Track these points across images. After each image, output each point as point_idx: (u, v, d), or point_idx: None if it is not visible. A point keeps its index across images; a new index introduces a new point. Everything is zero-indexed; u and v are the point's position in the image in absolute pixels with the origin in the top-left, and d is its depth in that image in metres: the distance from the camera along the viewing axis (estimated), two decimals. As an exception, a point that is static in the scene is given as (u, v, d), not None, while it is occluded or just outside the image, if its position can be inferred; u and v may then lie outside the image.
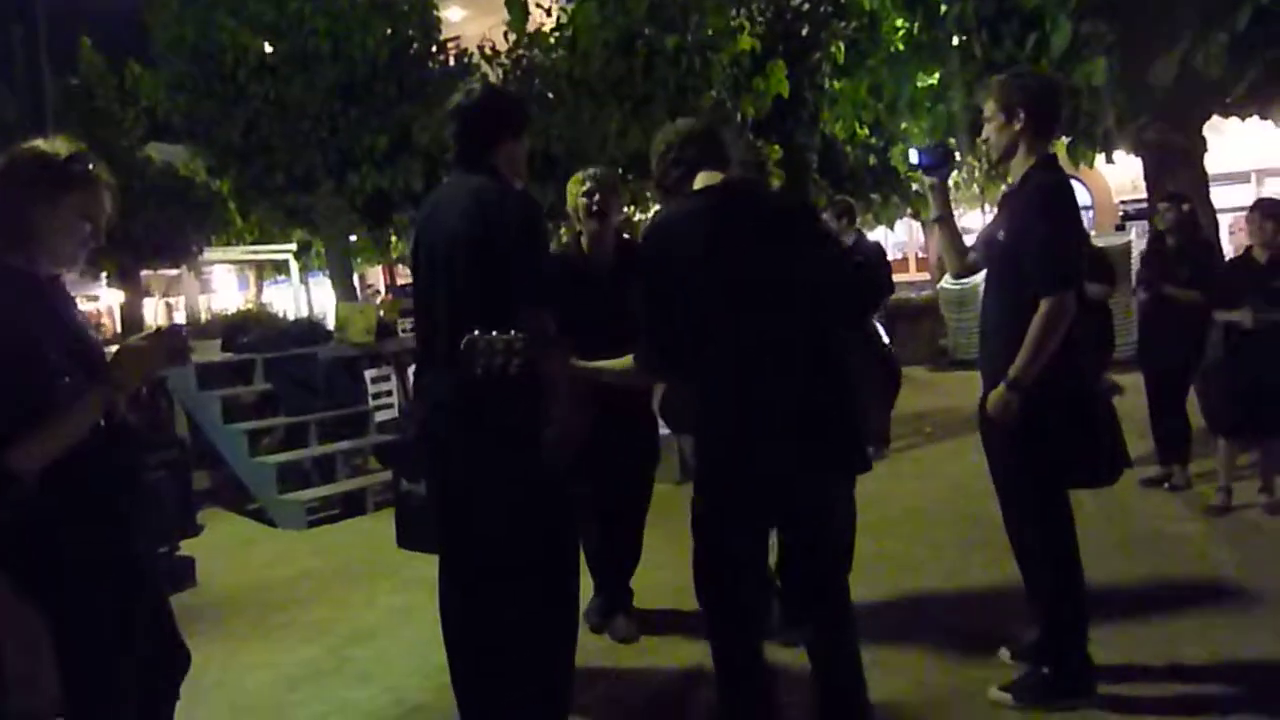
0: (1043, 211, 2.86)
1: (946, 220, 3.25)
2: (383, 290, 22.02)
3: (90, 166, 2.08)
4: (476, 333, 2.31)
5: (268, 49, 11.11)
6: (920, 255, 17.53)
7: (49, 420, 1.90)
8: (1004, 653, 3.32)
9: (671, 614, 4.00)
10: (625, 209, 11.24)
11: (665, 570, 4.48)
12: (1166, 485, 5.53)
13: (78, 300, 2.23)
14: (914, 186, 11.77)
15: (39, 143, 2.09)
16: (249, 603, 4.69)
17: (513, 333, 2.33)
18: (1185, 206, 5.60)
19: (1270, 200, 5.17)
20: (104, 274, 15.52)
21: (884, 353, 2.74)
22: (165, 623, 2.31)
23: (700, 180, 2.55)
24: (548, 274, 2.71)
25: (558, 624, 2.81)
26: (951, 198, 12.29)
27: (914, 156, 3.24)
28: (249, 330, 7.53)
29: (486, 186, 2.67)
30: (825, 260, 2.61)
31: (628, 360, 2.55)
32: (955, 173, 13.03)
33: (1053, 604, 3.04)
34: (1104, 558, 4.02)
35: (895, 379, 2.72)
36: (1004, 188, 3.34)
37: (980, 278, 3.24)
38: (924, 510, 5.34)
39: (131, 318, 16.73)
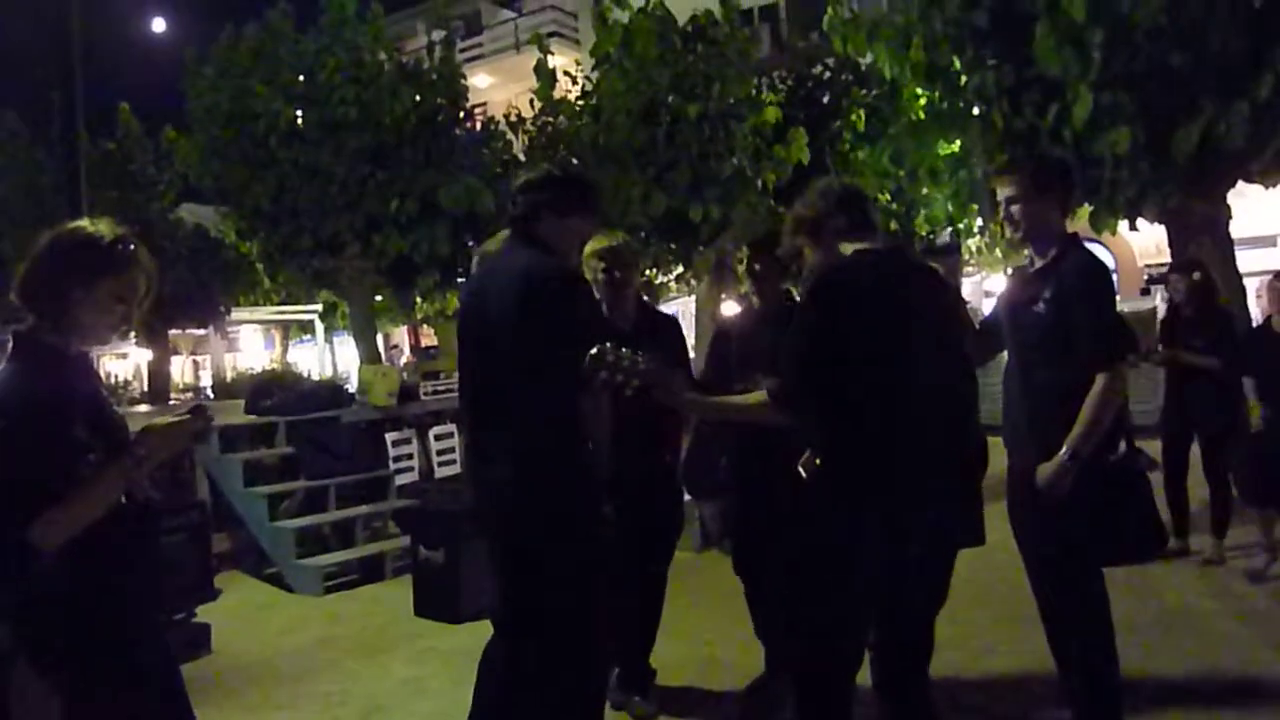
0: (1090, 289, 2.90)
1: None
2: (407, 351, 22.20)
3: (131, 251, 2.11)
4: (607, 345, 2.39)
5: (298, 115, 11.40)
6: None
7: (72, 496, 1.90)
8: (1036, 738, 3.20)
9: (694, 691, 3.91)
10: (645, 273, 11.32)
11: (686, 643, 4.40)
12: (1200, 559, 5.37)
13: (107, 357, 2.25)
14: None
15: (84, 224, 2.13)
16: (263, 672, 4.62)
17: (640, 354, 2.39)
18: (1196, 275, 5.51)
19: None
20: (132, 334, 15.76)
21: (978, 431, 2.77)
22: (178, 702, 2.27)
23: (852, 244, 2.58)
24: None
25: (581, 698, 2.77)
26: (973, 263, 12.19)
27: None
28: (272, 392, 7.57)
29: (535, 261, 2.71)
30: (962, 324, 2.74)
31: (759, 396, 2.57)
32: (978, 237, 13.05)
33: (1087, 688, 2.94)
34: (1136, 637, 3.91)
35: (984, 454, 2.74)
36: (1025, 260, 3.30)
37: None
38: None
39: (159, 376, 16.94)
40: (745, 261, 3.70)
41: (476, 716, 2.81)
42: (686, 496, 4.28)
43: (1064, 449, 2.80)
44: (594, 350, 2.37)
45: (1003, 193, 3.03)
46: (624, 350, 2.38)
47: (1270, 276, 5.31)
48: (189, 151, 12.79)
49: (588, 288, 2.88)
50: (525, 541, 2.68)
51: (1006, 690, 3.79)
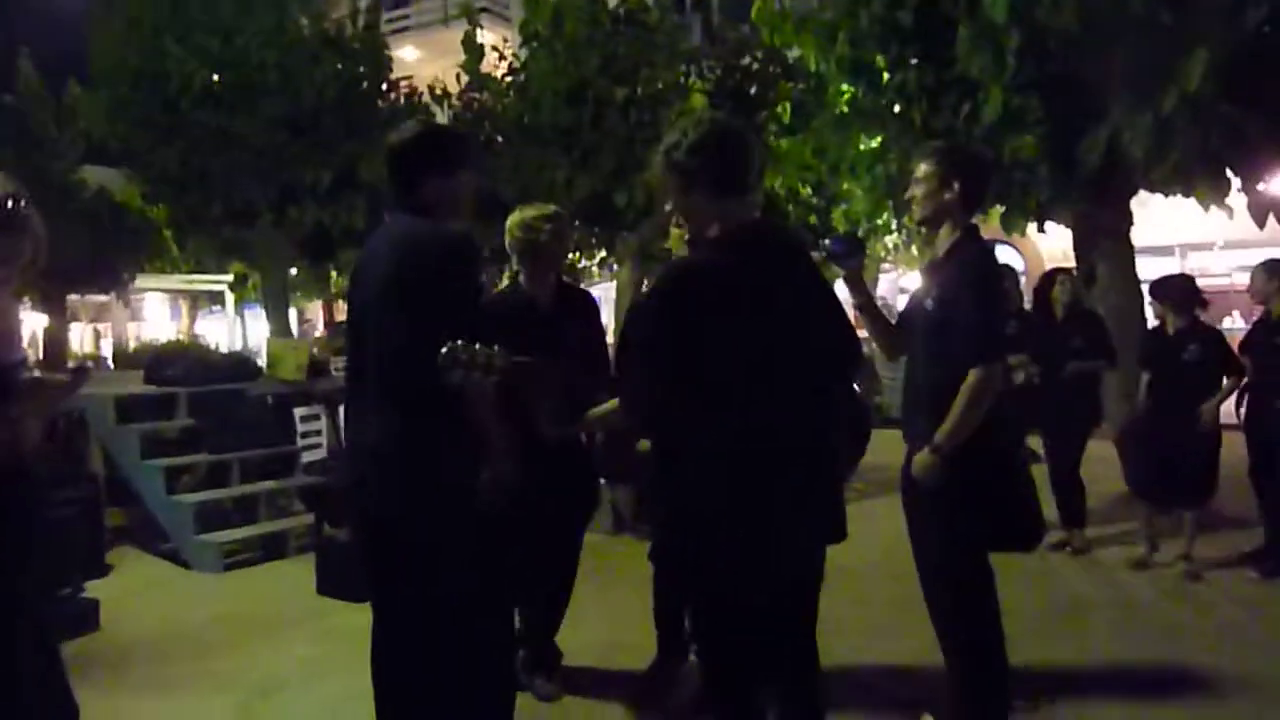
0: (970, 285, 2.91)
1: (867, 308, 3.21)
2: (320, 327, 21.68)
3: (20, 211, 2.00)
4: (459, 343, 2.25)
5: (214, 77, 10.97)
6: (856, 312, 17.90)
7: None
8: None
9: (599, 673, 3.91)
10: (570, 255, 11.25)
11: (594, 625, 4.39)
12: (1068, 549, 5.67)
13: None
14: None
15: None
16: (152, 651, 4.46)
17: (495, 348, 2.28)
18: (1068, 283, 6.05)
19: (1157, 282, 5.58)
20: (25, 298, 14.98)
21: (859, 410, 2.68)
22: (55, 674, 2.18)
23: (720, 206, 2.36)
24: (484, 315, 2.65)
25: (490, 676, 2.73)
26: (891, 259, 12.32)
27: (826, 246, 3.15)
28: (175, 362, 7.28)
29: (413, 228, 2.65)
30: (833, 309, 2.49)
31: (612, 404, 2.45)
32: (895, 234, 13.29)
33: (972, 675, 3.02)
34: (1023, 627, 4.04)
35: (864, 439, 2.67)
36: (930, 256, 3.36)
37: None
38: (854, 569, 5.31)
39: (55, 344, 16.16)
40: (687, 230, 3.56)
41: (384, 702, 2.74)
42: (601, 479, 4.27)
43: (931, 442, 2.86)
44: (444, 349, 2.24)
45: (916, 171, 3.07)
46: (477, 346, 2.27)
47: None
48: (93, 109, 12.19)
49: (473, 251, 2.77)
50: (401, 512, 2.60)
51: (903, 673, 3.88)
